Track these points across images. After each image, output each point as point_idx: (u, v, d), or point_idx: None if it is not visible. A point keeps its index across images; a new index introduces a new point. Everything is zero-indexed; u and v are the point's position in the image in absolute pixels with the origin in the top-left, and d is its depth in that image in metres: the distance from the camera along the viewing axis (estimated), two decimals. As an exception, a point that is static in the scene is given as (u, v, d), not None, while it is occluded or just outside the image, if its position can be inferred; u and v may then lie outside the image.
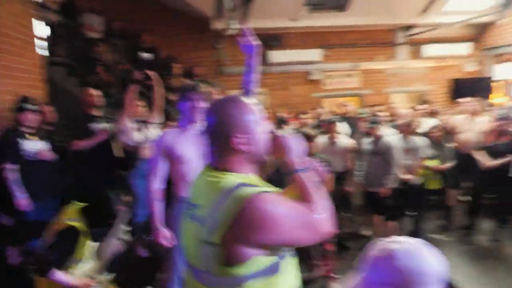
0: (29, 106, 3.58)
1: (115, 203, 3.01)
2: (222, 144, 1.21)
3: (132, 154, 3.90)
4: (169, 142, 2.52)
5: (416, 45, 8.75)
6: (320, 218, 1.17)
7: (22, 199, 3.36)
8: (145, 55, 3.95)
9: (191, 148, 2.52)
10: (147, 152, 4.04)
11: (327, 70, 8.61)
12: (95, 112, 4.09)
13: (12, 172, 3.34)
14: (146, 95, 4.91)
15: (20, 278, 3.50)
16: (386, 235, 3.80)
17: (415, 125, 4.71)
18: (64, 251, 2.71)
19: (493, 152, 4.68)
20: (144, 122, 3.64)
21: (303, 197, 1.22)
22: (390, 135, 4.64)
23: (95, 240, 3.10)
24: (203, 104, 2.51)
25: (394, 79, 8.87)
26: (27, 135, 3.51)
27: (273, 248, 1.16)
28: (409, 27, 8.44)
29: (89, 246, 3.00)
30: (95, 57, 6.39)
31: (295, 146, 1.29)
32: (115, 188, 4.05)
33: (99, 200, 2.95)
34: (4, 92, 3.78)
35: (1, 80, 3.78)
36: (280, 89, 8.47)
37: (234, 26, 6.29)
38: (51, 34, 6.32)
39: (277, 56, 8.13)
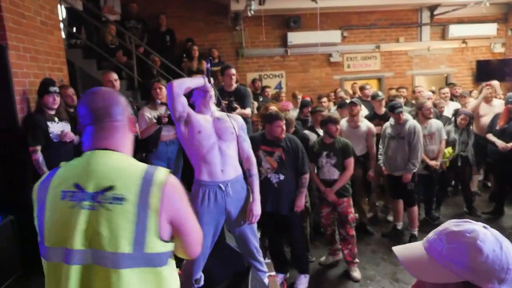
0: (53, 88, 3.61)
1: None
2: (113, 127, 1.26)
3: (153, 137, 3.92)
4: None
5: (441, 25, 8.46)
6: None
7: (49, 180, 3.43)
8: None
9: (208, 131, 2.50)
10: (167, 135, 4.07)
11: (347, 52, 8.44)
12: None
13: (39, 153, 3.40)
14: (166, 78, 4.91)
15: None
16: (408, 220, 3.73)
17: (431, 109, 4.59)
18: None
19: (505, 134, 4.68)
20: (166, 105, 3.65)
21: None
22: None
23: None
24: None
25: (417, 61, 8.63)
26: (51, 117, 3.56)
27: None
28: (434, 6, 8.14)
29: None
30: (113, 39, 6.41)
31: None
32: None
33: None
34: (29, 74, 3.83)
35: (26, 62, 3.82)
36: (300, 71, 8.35)
37: (254, 7, 6.18)
38: (70, 16, 6.38)
39: (296, 37, 7.99)
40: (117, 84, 4.09)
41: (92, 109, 1.26)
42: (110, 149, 1.24)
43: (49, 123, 3.52)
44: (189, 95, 2.53)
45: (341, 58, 8.41)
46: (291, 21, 8.01)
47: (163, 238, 1.18)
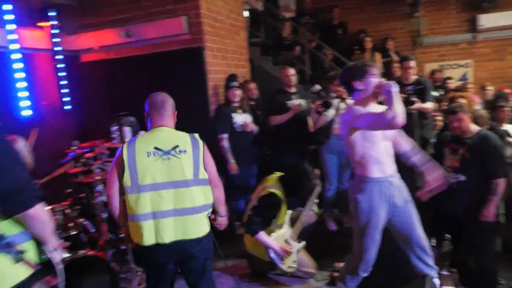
0: (235, 83, 4.03)
1: (311, 176, 3.13)
2: (166, 114, 2.22)
3: (324, 129, 3.95)
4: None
5: None
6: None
7: (232, 164, 3.88)
8: (315, 88, 3.87)
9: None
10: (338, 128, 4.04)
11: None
12: (290, 89, 4.30)
13: (225, 141, 3.87)
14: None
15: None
16: None
17: None
18: (266, 215, 3.00)
19: None
20: (341, 98, 3.62)
21: None
22: None
23: (290, 208, 3.33)
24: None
25: None
26: (236, 109, 3.99)
27: None
28: None
29: (286, 213, 3.24)
30: (288, 36, 6.73)
31: None
32: (307, 161, 4.23)
33: (297, 171, 3.12)
34: (219, 71, 4.37)
35: (218, 61, 4.38)
36: (493, 59, 7.13)
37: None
38: (251, 17, 6.98)
39: (490, 19, 6.84)
40: (294, 78, 4.25)
41: (155, 102, 2.22)
42: (166, 126, 2.20)
43: (233, 114, 3.95)
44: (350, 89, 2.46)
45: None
46: (483, 0, 6.89)
47: (205, 168, 2.19)
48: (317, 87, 3.80)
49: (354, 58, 6.62)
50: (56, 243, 1.58)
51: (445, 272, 3.20)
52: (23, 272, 1.39)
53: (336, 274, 3.17)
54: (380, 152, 2.46)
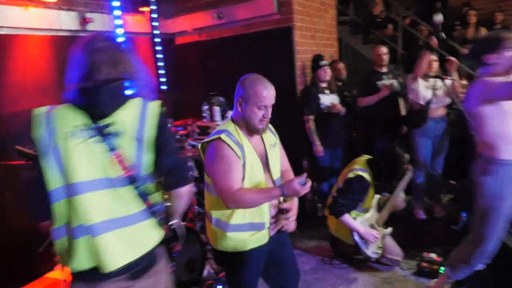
0: (323, 62, 3.92)
1: (403, 161, 2.98)
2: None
3: (420, 112, 3.69)
4: None
5: None
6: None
7: (318, 146, 3.83)
8: (438, 18, 3.44)
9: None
10: (436, 111, 3.74)
11: None
12: (382, 69, 4.08)
13: (311, 122, 3.83)
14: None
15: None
16: None
17: None
18: (353, 197, 2.93)
19: None
20: (440, 78, 3.33)
21: None
22: None
23: (378, 192, 3.21)
24: None
25: None
26: (323, 90, 3.91)
27: None
28: None
29: (374, 197, 3.13)
30: (380, 13, 6.34)
31: None
32: (398, 145, 4.02)
33: (387, 155, 2.99)
34: (307, 51, 4.30)
35: (306, 40, 4.30)
36: None
37: None
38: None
39: None
40: (386, 58, 4.02)
41: None
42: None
43: (320, 95, 3.88)
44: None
45: None
46: None
47: None
48: (440, 17, 3.42)
49: (456, 36, 6.04)
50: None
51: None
52: (161, 235, 1.53)
53: (424, 264, 3.01)
54: None
